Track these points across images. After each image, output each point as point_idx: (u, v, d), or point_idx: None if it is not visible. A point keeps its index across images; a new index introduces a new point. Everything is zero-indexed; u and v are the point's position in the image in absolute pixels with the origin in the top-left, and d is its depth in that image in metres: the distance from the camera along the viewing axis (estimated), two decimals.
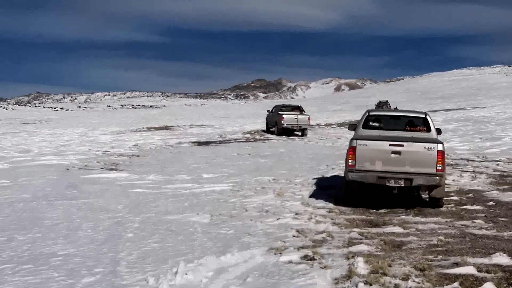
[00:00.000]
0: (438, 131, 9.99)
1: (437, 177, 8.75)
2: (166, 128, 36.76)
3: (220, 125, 40.14)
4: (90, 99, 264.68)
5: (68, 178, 12.88)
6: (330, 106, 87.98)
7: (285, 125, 27.58)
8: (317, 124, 38.58)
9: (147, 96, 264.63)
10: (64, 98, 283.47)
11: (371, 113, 10.26)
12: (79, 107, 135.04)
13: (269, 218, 8.13)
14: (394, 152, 8.86)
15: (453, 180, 12.15)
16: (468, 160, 16.22)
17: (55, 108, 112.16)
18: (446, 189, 10.06)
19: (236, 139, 26.60)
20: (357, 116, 54.33)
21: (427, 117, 9.97)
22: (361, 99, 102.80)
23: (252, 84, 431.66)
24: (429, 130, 9.78)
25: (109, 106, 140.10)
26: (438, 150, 8.78)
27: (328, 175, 13.22)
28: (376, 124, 10.12)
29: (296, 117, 27.93)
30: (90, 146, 21.90)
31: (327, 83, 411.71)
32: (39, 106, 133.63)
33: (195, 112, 77.32)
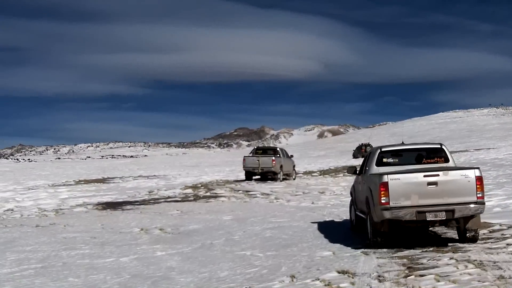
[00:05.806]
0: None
1: (480, 205, 8.09)
2: (101, 181, 28.89)
3: (174, 175, 32.63)
4: (73, 151, 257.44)
5: None
6: (312, 152, 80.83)
7: (246, 167, 25.15)
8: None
9: (129, 147, 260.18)
10: (47, 150, 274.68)
11: (383, 149, 9.62)
12: (59, 158, 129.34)
13: None
14: (430, 183, 8.14)
15: None
16: None
17: (16, 160, 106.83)
18: None
19: (169, 196, 18.40)
20: (342, 161, 46.79)
21: (443, 147, 9.55)
22: (345, 144, 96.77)
23: (235, 133, 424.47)
24: (447, 160, 9.29)
25: (89, 157, 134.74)
26: (476, 176, 8.13)
27: None
28: (390, 160, 9.44)
29: (258, 159, 24.93)
30: None
31: (309, 130, 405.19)
32: (8, 158, 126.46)
33: (165, 162, 70.21)
